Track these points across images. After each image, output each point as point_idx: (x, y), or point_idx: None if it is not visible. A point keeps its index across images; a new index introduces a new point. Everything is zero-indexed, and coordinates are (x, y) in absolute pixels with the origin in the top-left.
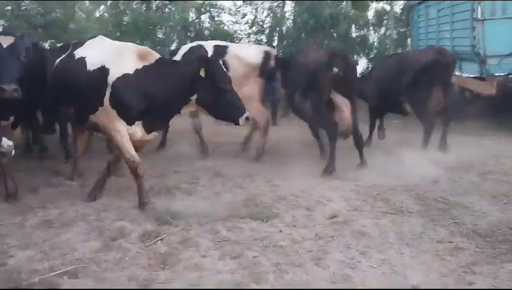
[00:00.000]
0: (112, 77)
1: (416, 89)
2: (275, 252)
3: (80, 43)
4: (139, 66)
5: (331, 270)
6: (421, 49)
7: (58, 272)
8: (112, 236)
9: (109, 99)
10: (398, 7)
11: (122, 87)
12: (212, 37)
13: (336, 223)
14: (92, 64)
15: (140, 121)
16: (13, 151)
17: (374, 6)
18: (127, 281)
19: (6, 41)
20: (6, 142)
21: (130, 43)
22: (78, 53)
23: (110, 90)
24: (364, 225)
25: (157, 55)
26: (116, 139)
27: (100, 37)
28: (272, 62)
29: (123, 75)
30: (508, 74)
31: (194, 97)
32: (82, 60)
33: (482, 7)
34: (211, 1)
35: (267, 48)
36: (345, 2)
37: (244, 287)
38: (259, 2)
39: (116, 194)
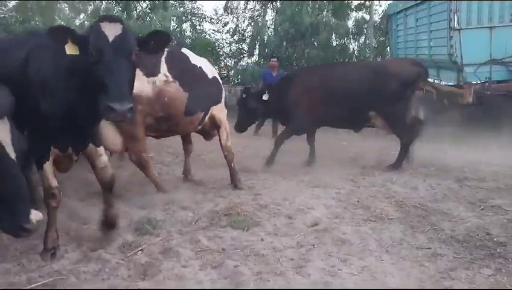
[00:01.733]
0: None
1: (394, 102)
2: (256, 261)
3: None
4: None
5: (312, 278)
6: (396, 59)
7: (36, 284)
8: (91, 247)
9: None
10: (377, 16)
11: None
12: (194, 46)
13: (317, 231)
14: (210, 73)
15: None
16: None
17: (353, 15)
18: None
19: (113, 31)
20: (35, 216)
21: None
22: (194, 62)
23: (224, 95)
24: (345, 233)
25: None
26: (226, 128)
27: (185, 49)
28: None
29: None
30: (485, 82)
31: None
32: (201, 69)
33: (458, 17)
34: (193, 7)
35: None
36: (325, 11)
37: None
38: (241, 11)
39: (94, 205)
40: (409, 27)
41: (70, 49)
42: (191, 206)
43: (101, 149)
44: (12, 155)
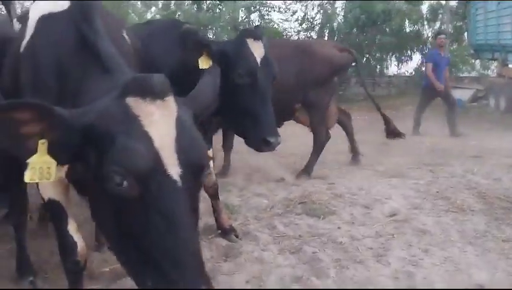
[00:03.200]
0: None
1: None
2: (335, 249)
3: None
4: None
5: (392, 267)
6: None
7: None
8: None
9: None
10: (454, 1)
11: None
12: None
13: (396, 221)
14: None
15: None
16: None
17: (428, 0)
18: None
19: (259, 51)
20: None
21: None
22: None
23: None
24: (425, 223)
25: None
26: None
27: None
28: None
29: None
30: None
31: None
32: None
33: None
34: (261, 0)
35: None
36: None
37: (305, 281)
38: None
39: None
40: (489, 11)
41: (204, 63)
42: (265, 194)
43: (210, 152)
44: (174, 171)
